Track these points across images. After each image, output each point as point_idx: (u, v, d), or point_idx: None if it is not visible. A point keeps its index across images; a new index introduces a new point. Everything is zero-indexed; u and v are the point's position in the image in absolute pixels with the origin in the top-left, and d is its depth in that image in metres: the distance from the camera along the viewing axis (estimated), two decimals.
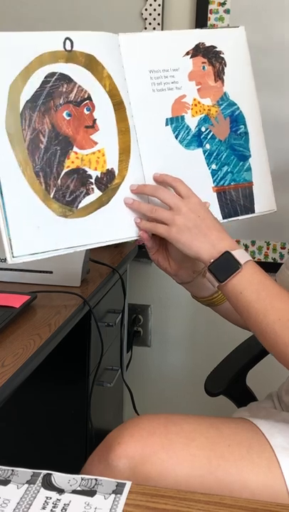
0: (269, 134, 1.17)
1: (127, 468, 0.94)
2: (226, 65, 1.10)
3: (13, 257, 0.93)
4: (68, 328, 1.22)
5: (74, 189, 0.98)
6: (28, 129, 0.94)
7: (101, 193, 1.01)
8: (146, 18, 1.74)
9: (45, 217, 0.95)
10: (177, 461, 0.95)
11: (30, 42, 0.96)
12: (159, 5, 1.73)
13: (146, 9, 1.74)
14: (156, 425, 0.99)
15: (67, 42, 0.98)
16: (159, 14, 1.74)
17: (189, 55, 1.08)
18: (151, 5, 1.73)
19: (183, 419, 1.03)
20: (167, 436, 0.97)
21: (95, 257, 1.49)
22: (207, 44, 1.09)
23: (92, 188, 1.00)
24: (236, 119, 1.11)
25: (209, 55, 1.09)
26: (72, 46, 0.98)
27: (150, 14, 1.74)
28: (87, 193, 1.00)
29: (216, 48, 1.09)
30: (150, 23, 1.74)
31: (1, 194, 0.92)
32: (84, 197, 0.99)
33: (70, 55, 0.98)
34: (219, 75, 1.10)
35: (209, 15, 1.72)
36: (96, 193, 1.00)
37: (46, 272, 1.38)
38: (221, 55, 1.10)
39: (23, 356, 1.04)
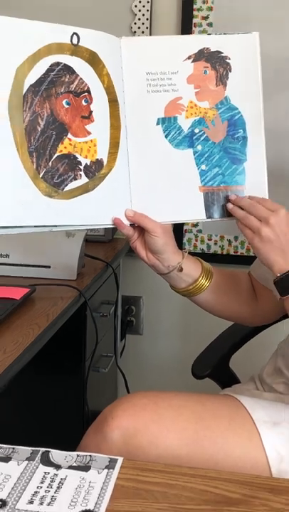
0: None
1: (120, 440, 0.95)
2: (230, 70, 1.06)
3: None
4: (65, 318, 1.22)
5: (63, 172, 0.97)
6: (29, 111, 0.94)
7: (88, 180, 1.00)
8: (135, 32, 1.74)
9: (32, 194, 0.95)
10: (166, 433, 0.96)
11: (40, 31, 0.95)
12: (147, 19, 1.73)
13: (135, 23, 1.74)
14: (147, 401, 1.00)
15: (75, 36, 0.98)
16: (146, 27, 1.74)
17: (191, 59, 1.04)
18: (139, 19, 1.73)
19: (171, 395, 1.04)
20: (157, 410, 0.99)
21: (89, 252, 1.49)
22: (212, 49, 1.05)
23: (80, 174, 0.99)
24: (235, 123, 1.06)
25: (213, 60, 1.05)
26: (78, 41, 0.98)
27: (139, 28, 1.74)
28: (75, 178, 0.99)
29: (221, 53, 1.05)
30: (139, 36, 1.74)
31: None
32: (71, 181, 0.98)
33: (75, 49, 0.98)
34: (222, 80, 1.06)
35: (193, 28, 1.72)
36: (83, 179, 0.99)
37: (44, 266, 1.38)
38: (227, 60, 1.05)
39: (23, 344, 1.04)
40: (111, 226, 1.04)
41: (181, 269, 1.10)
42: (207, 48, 1.05)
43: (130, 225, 1.05)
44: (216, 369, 1.35)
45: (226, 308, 1.19)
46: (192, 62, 1.05)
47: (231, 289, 1.18)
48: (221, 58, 1.06)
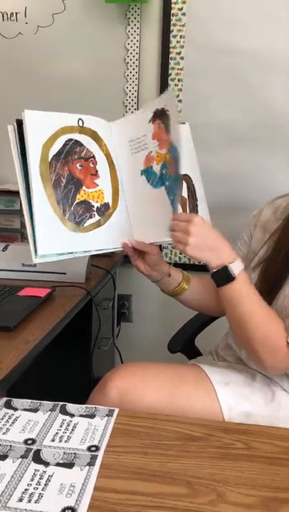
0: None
1: (116, 396, 0.95)
2: (169, 119, 1.04)
3: (36, 257, 0.93)
4: (77, 310, 1.23)
5: (81, 214, 0.99)
6: (54, 173, 0.95)
7: (99, 218, 1.02)
8: (126, 106, 1.77)
9: (61, 231, 0.96)
10: (149, 392, 0.97)
11: (57, 119, 0.98)
12: (135, 96, 1.76)
13: (126, 99, 1.77)
14: (136, 369, 1.01)
15: (80, 121, 1.01)
16: (135, 103, 1.77)
17: (151, 122, 1.06)
18: (130, 97, 1.76)
19: (153, 364, 1.04)
20: (143, 375, 0.99)
21: (94, 263, 1.50)
22: (159, 108, 1.05)
23: (94, 214, 1.01)
24: (176, 159, 1.05)
25: (162, 116, 1.06)
26: (83, 124, 1.01)
27: (129, 103, 1.76)
28: (90, 217, 1.00)
29: (164, 108, 1.05)
30: (129, 109, 1.77)
31: (32, 215, 0.93)
32: (88, 219, 1.00)
33: (82, 129, 1.00)
34: (168, 129, 1.05)
35: None
36: (96, 218, 1.01)
37: (62, 273, 1.38)
38: (167, 113, 1.04)
39: (47, 328, 1.05)
40: (120, 249, 1.05)
41: (169, 275, 1.11)
42: (157, 109, 1.06)
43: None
44: (185, 346, 1.36)
45: (199, 303, 1.20)
46: (152, 123, 1.06)
47: (202, 290, 1.19)
48: (164, 112, 1.05)
